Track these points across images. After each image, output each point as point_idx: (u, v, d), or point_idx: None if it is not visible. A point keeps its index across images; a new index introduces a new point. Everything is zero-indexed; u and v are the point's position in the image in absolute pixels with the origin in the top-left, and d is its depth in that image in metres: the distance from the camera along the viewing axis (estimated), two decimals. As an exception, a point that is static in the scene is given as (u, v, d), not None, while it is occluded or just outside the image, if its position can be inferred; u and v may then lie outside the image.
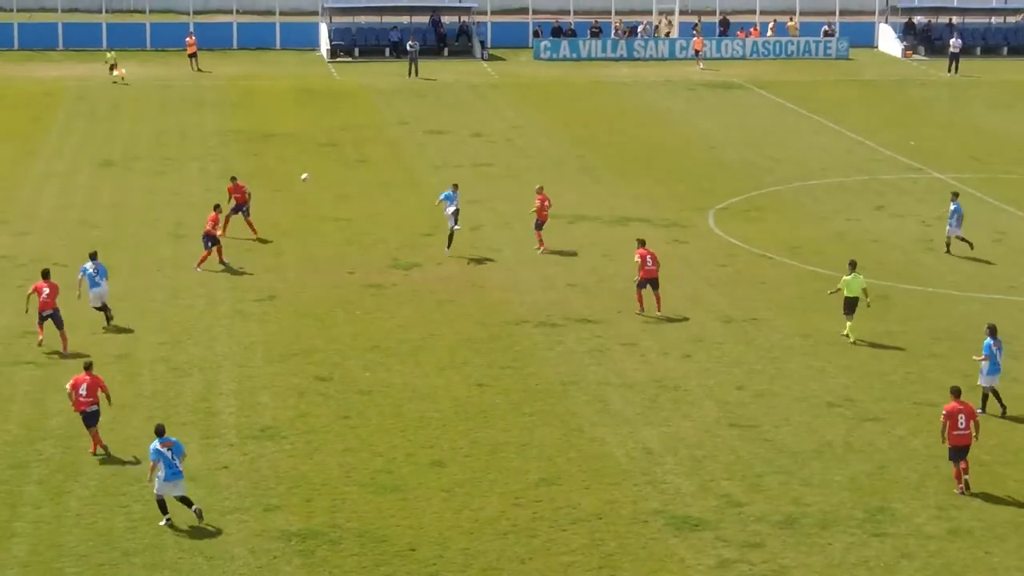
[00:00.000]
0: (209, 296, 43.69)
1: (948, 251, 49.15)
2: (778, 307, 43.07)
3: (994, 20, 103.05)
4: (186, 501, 29.47)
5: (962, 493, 30.76)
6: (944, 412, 31.01)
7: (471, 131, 69.73)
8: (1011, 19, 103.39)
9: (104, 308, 41.17)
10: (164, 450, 29.38)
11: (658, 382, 37.11)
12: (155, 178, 57.64)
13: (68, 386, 32.84)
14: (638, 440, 33.52)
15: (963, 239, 48.92)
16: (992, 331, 35.32)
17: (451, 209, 47.48)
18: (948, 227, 49.06)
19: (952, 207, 48.91)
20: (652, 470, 31.97)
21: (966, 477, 30.94)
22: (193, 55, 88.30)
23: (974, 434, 31.01)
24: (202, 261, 46.29)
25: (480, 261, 47.59)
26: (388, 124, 71.89)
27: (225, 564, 27.73)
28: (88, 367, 33.24)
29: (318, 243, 49.51)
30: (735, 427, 34.22)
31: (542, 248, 48.42)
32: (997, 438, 33.70)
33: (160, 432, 29.69)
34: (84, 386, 32.63)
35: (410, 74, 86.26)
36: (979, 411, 33.93)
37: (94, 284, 41.14)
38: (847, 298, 40.36)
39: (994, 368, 35.08)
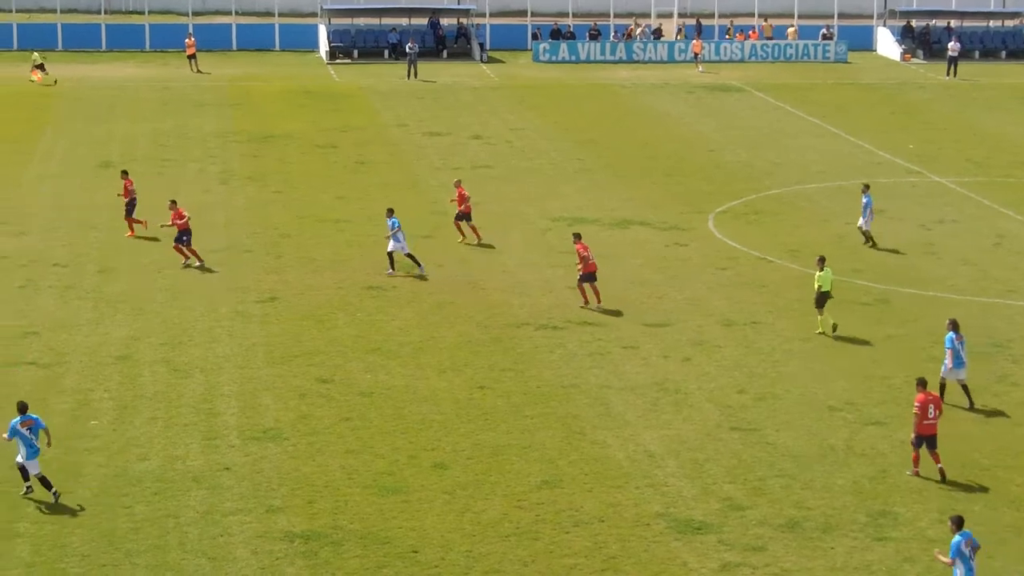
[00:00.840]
0: (209, 298, 43.67)
1: (868, 243, 50.11)
2: (779, 310, 43.08)
3: (992, 24, 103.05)
4: (45, 482, 30.07)
5: (916, 475, 31.64)
6: (916, 404, 31.63)
7: (471, 133, 69.72)
8: (1009, 23, 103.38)
9: None
10: (23, 429, 30.09)
11: (659, 385, 37.13)
12: (154, 179, 57.51)
13: None
14: (639, 443, 33.55)
15: (867, 235, 49.95)
16: (954, 325, 35.88)
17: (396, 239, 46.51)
18: (861, 219, 49.80)
19: (864, 200, 49.54)
20: (654, 473, 32.00)
21: (940, 466, 31.58)
22: (192, 56, 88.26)
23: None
24: (184, 256, 46.84)
25: (472, 268, 47.70)
26: (387, 126, 71.89)
27: (228, 565, 27.75)
28: None
29: (318, 245, 49.49)
30: (736, 430, 34.24)
31: (463, 239, 49.91)
32: (997, 442, 33.77)
33: (23, 409, 30.43)
34: None
35: (409, 76, 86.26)
36: None
37: None
38: (822, 292, 40.91)
39: (958, 362, 35.59)
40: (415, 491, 30.90)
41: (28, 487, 30.31)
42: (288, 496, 30.56)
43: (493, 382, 37.14)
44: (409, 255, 46.19)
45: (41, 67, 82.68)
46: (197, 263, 46.62)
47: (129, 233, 50.33)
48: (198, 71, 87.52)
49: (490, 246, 49.51)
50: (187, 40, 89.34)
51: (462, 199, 49.92)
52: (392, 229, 45.98)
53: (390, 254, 46.04)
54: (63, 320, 41.45)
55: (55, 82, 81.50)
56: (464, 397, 36.15)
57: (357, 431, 33.94)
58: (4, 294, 43.88)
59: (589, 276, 43.05)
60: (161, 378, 37.14)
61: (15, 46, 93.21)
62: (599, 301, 42.96)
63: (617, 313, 42.62)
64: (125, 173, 51.56)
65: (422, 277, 45.77)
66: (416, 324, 41.60)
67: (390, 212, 46.55)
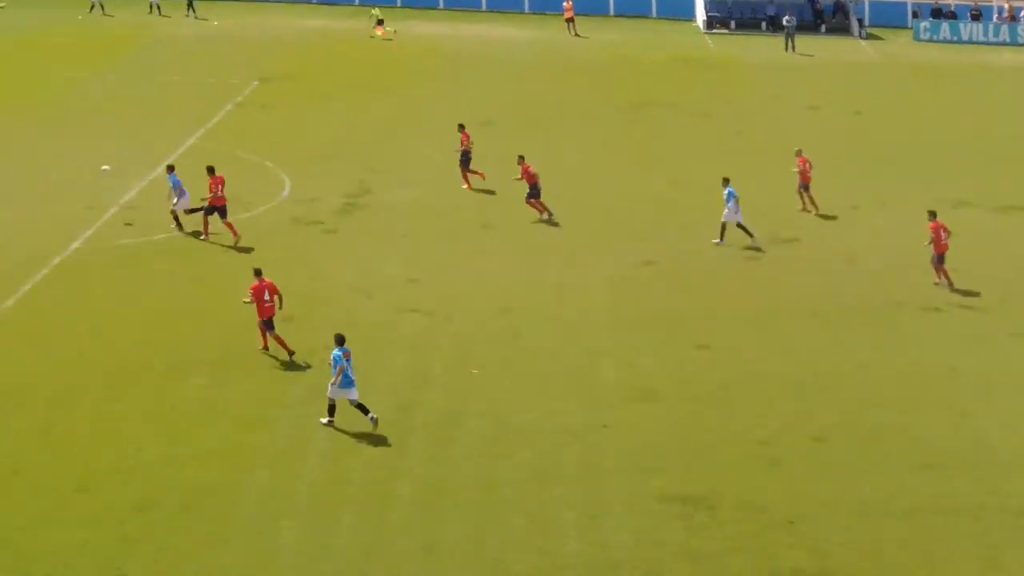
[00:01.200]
0: (586, 258, 43.96)
1: None
2: None
3: None
4: (362, 408, 31.18)
5: None
6: None
7: (851, 109, 68.28)
8: None
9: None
10: (345, 359, 31.05)
11: (1048, 376, 35.98)
12: (533, 140, 58.03)
13: (251, 295, 34.88)
14: (1024, 434, 32.58)
15: None
16: None
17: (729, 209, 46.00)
18: None
19: None
20: (1039, 465, 31.05)
21: None
22: (570, 20, 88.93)
23: None
24: (538, 211, 47.78)
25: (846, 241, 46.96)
26: (765, 97, 71.05)
27: (605, 522, 28.04)
28: (259, 273, 35.28)
29: (697, 211, 49.06)
30: None
31: (808, 208, 49.68)
32: None
33: (340, 341, 31.31)
34: (267, 292, 34.87)
35: (787, 49, 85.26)
36: None
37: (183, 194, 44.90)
38: None
39: None
40: (793, 462, 30.63)
41: (330, 420, 31.41)
42: (665, 458, 30.65)
43: (873, 360, 36.48)
44: (740, 225, 45.62)
45: (381, 22, 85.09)
46: (546, 216, 47.42)
47: (466, 186, 51.34)
48: (576, 35, 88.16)
49: (863, 222, 48.64)
50: (565, 3, 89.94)
51: (805, 169, 49.61)
52: (727, 198, 45.52)
53: (732, 224, 45.63)
54: (445, 270, 42.37)
55: (394, 33, 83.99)
56: (843, 372, 35.62)
57: (736, 399, 33.80)
58: (388, 242, 45.08)
59: (940, 257, 42.18)
60: (542, 333, 37.62)
61: (399, 3, 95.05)
62: (948, 279, 42.15)
63: (1002, 299, 41.32)
64: (462, 127, 52.63)
65: (756, 248, 45.18)
66: (795, 296, 41.14)
67: (726, 181, 46.06)
